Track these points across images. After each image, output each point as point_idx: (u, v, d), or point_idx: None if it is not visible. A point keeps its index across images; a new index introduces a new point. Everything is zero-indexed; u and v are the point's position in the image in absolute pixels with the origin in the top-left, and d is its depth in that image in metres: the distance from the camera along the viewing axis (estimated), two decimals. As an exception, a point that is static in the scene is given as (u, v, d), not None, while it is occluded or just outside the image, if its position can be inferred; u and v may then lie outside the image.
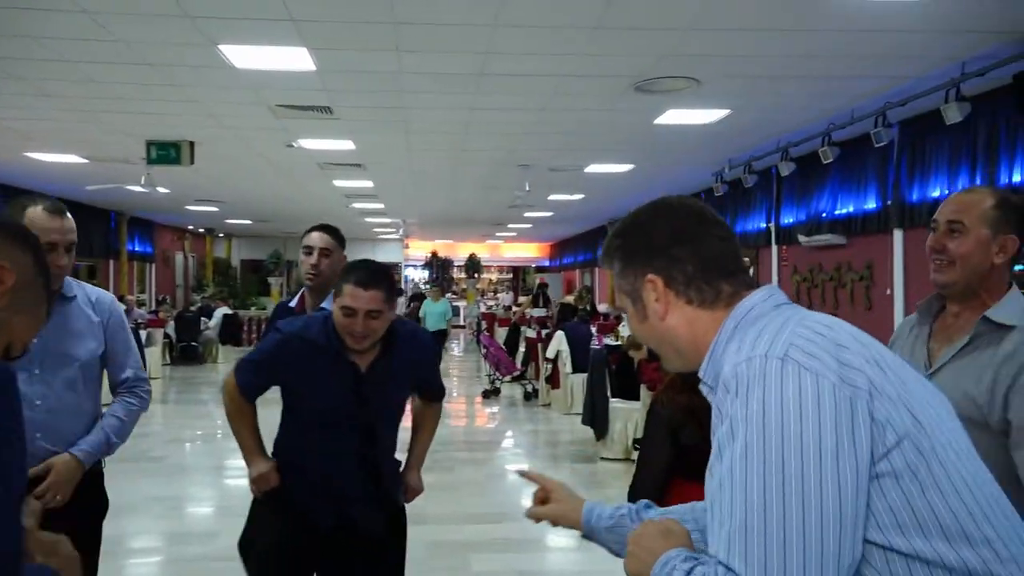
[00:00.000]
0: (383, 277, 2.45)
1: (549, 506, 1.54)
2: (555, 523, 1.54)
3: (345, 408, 2.54)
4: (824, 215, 8.41)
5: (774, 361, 1.02)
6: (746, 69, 5.53)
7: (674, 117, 6.97)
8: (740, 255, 1.28)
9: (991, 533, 1.00)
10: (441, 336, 12.01)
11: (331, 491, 2.59)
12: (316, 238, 3.15)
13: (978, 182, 6.17)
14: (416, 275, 26.16)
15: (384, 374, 2.56)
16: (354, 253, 3.06)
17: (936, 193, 6.67)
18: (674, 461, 2.43)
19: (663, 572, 1.07)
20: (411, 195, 13.15)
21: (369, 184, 11.56)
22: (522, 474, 1.66)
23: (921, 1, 4.26)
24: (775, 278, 9.91)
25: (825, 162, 7.22)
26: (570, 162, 9.51)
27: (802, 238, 8.77)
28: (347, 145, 8.37)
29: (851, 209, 7.95)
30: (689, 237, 1.23)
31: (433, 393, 2.87)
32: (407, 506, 2.81)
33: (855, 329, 1.13)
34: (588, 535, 1.51)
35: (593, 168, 9.91)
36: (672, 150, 8.63)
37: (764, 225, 10.10)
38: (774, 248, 9.91)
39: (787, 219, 9.49)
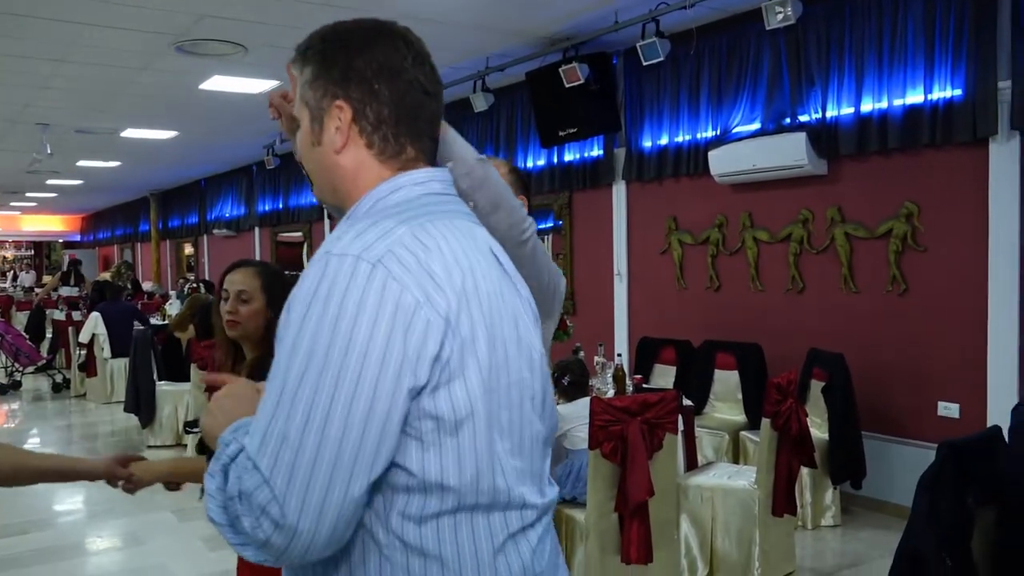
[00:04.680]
0: None
1: None
2: None
3: None
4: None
5: (364, 264, 0.94)
6: (292, 40, 5.49)
7: (221, 84, 6.71)
8: (439, 120, 1.17)
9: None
10: None
11: None
12: None
13: (501, 164, 7.03)
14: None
15: None
16: None
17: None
18: None
19: (227, 438, 0.99)
20: None
21: None
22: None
23: (452, -5, 4.66)
24: (328, 251, 10.12)
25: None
26: (102, 124, 8.58)
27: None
28: None
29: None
30: (398, 76, 1.09)
31: None
32: None
33: (474, 252, 1.05)
34: None
35: (131, 132, 9.09)
36: (220, 118, 8.27)
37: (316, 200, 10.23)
38: (327, 222, 10.12)
39: (338, 194, 9.73)
